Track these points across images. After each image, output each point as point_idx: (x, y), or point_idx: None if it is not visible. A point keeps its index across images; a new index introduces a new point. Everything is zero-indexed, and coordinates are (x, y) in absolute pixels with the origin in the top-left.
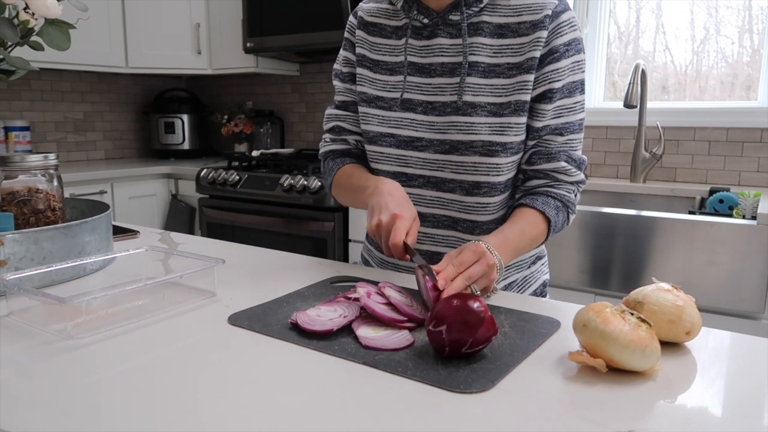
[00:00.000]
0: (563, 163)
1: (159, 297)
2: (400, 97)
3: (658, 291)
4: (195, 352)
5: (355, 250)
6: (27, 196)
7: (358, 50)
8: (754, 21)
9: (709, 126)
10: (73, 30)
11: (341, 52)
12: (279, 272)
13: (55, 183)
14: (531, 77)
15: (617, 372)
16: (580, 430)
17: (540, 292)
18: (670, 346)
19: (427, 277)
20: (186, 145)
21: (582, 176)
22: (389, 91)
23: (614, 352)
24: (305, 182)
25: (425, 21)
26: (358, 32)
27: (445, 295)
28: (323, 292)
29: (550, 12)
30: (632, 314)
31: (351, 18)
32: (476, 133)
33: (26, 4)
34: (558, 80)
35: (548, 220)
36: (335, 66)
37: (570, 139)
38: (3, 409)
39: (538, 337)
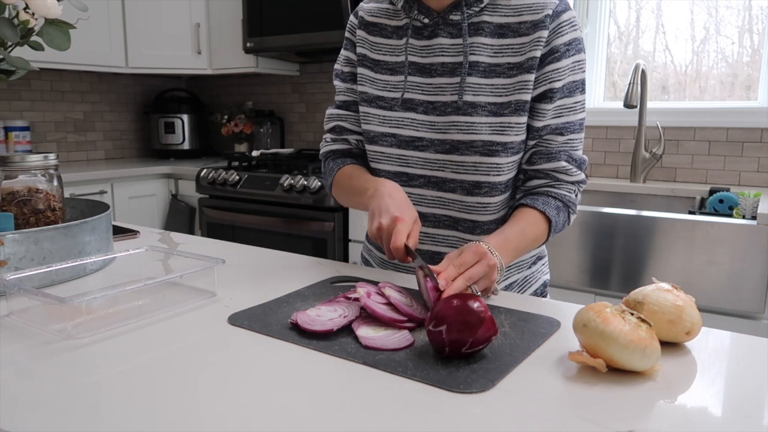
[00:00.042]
0: (564, 163)
1: (159, 297)
2: (401, 97)
3: (658, 291)
4: (195, 352)
5: (355, 250)
6: (27, 196)
7: (358, 50)
8: (754, 21)
9: (709, 126)
10: (73, 30)
11: (342, 51)
12: (279, 272)
13: (55, 183)
14: (531, 77)
15: (617, 372)
16: (580, 430)
17: (541, 293)
18: (670, 346)
19: (427, 278)
20: (186, 145)
21: (583, 176)
22: (390, 90)
23: (614, 352)
24: (305, 182)
25: (426, 21)
26: (359, 32)
27: (445, 295)
28: (323, 292)
29: (550, 12)
30: (632, 314)
31: (352, 18)
32: (477, 133)
33: (26, 4)
34: (558, 80)
35: (549, 221)
36: (336, 66)
37: (570, 139)
38: (3, 409)
39: (538, 337)
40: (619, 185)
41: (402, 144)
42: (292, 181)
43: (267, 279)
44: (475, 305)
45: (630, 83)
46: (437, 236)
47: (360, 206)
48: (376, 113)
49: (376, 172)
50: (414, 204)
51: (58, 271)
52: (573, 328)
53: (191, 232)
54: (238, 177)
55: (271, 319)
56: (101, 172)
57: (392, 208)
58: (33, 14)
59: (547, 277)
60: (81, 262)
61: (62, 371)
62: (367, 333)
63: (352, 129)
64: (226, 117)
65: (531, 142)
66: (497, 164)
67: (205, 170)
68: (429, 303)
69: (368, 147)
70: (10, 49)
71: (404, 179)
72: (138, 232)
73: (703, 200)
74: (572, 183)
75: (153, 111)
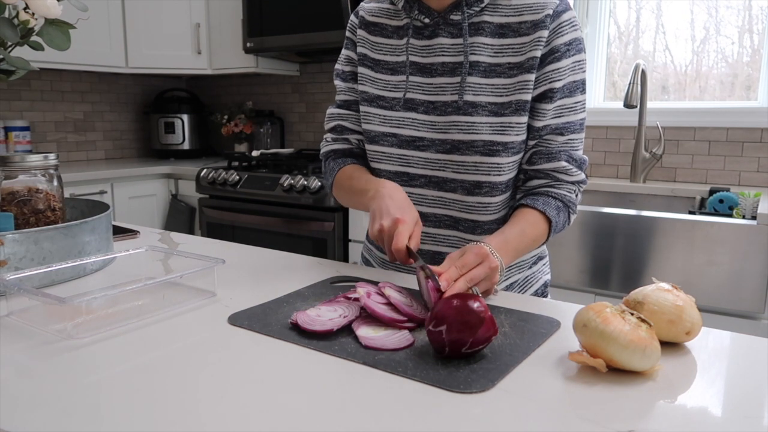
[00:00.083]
0: (564, 163)
1: (159, 297)
2: (403, 97)
3: (658, 291)
4: (195, 352)
5: (355, 250)
6: (27, 196)
7: (359, 49)
8: (754, 21)
9: (709, 126)
10: (73, 30)
11: (343, 51)
12: (279, 272)
13: (55, 183)
14: (532, 77)
15: (617, 372)
16: (580, 430)
17: (541, 293)
18: (670, 346)
19: (429, 279)
20: (186, 145)
21: (583, 176)
22: (391, 90)
23: (614, 352)
24: (305, 182)
25: (426, 21)
26: (360, 31)
27: (446, 296)
28: (323, 292)
29: (551, 11)
30: (632, 314)
31: (352, 17)
32: (477, 133)
33: (26, 4)
34: (559, 80)
35: (549, 221)
36: (337, 65)
37: (571, 139)
38: (3, 409)
39: (538, 337)
40: (619, 185)
41: (403, 144)
42: (292, 181)
43: (267, 279)
44: (475, 305)
45: (630, 83)
46: (438, 236)
47: (361, 207)
48: (376, 113)
49: (376, 172)
50: (415, 204)
51: (58, 271)
52: (573, 328)
53: (191, 232)
54: (238, 177)
55: (271, 319)
56: (101, 172)
57: (393, 209)
58: (33, 14)
59: (548, 277)
60: (81, 262)
61: (62, 371)
62: (367, 333)
63: (353, 128)
64: (226, 117)
65: (531, 142)
66: (498, 164)
67: (205, 170)
68: (430, 304)
69: (369, 147)
70: (10, 49)
71: (405, 179)
72: (138, 232)
73: (703, 200)
74: (572, 183)
75: (153, 111)
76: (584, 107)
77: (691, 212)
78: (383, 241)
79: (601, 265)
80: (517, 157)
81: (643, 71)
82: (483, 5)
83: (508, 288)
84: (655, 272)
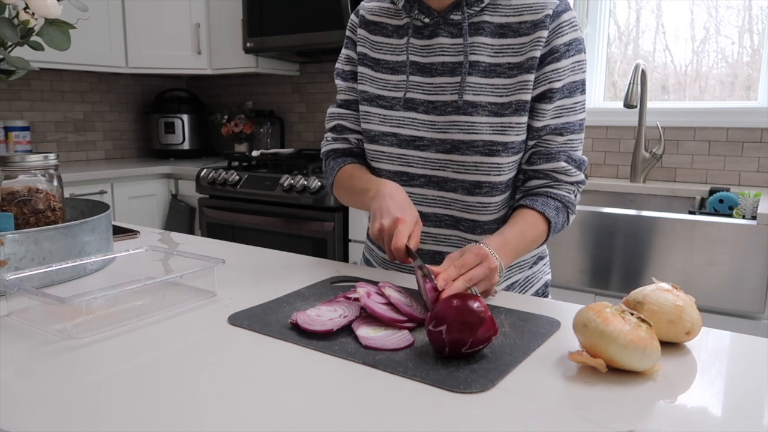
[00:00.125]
0: (563, 164)
1: (159, 297)
2: (404, 96)
3: (658, 291)
4: (195, 352)
5: (354, 250)
6: (27, 196)
7: (359, 48)
8: (754, 21)
9: (709, 126)
10: (73, 30)
11: (343, 50)
12: (279, 272)
13: (55, 183)
14: (531, 77)
15: (617, 372)
16: (580, 430)
17: (542, 293)
18: (670, 346)
19: (426, 278)
20: (186, 145)
21: (582, 176)
22: (391, 90)
23: (614, 352)
24: (305, 182)
25: (426, 20)
26: (360, 31)
27: (444, 295)
28: (323, 292)
29: (551, 12)
30: (632, 314)
31: (353, 16)
32: (477, 133)
33: (26, 4)
34: (558, 80)
35: (548, 221)
36: (337, 65)
37: (570, 140)
38: (3, 409)
39: (538, 337)
40: (619, 185)
41: (402, 143)
42: (292, 181)
43: (267, 279)
44: (475, 305)
45: (630, 83)
46: (439, 236)
47: (361, 206)
48: (376, 112)
49: (376, 172)
50: (415, 203)
51: (58, 271)
52: (573, 328)
53: (191, 232)
54: (238, 177)
55: (271, 319)
56: (101, 172)
57: (393, 209)
58: (33, 14)
59: (549, 277)
60: (81, 262)
61: (62, 371)
62: (367, 333)
63: (353, 128)
64: (226, 117)
65: (530, 143)
66: (498, 164)
67: (205, 170)
68: (428, 303)
69: (368, 146)
70: (10, 49)
71: (405, 179)
72: (138, 232)
73: (703, 200)
74: (571, 183)
75: (153, 111)
76: (584, 108)
77: (691, 212)
78: (383, 241)
79: (601, 265)
80: (517, 157)
81: (643, 71)
82: (483, 5)
83: (509, 288)
84: (655, 272)
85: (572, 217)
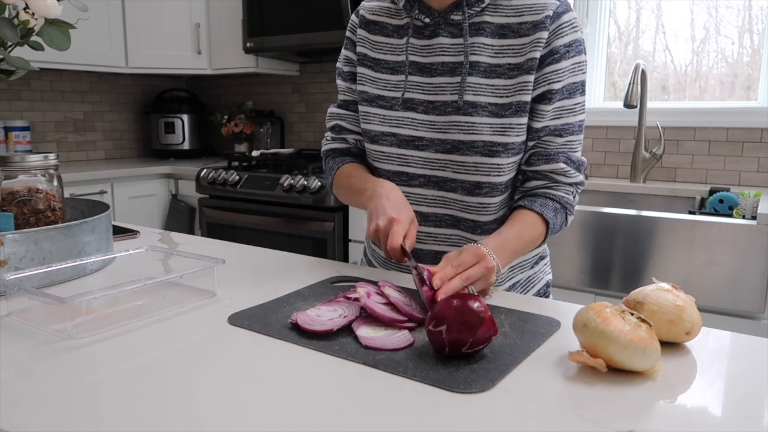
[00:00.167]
0: (562, 165)
1: (159, 297)
2: (402, 96)
3: (658, 291)
4: (195, 352)
5: (354, 250)
6: (27, 196)
7: (359, 49)
8: (754, 21)
9: (709, 126)
10: (73, 30)
11: (343, 51)
12: (279, 272)
13: (55, 183)
14: (531, 78)
15: (617, 372)
16: (580, 430)
17: (543, 293)
18: (670, 346)
19: (420, 278)
20: (186, 145)
21: (581, 178)
22: (390, 90)
23: (614, 352)
24: (305, 182)
25: (426, 20)
26: (360, 31)
27: (440, 294)
28: (323, 292)
29: (551, 12)
30: (632, 314)
31: (353, 17)
32: (477, 133)
33: (26, 4)
34: (558, 81)
35: (546, 222)
36: (337, 64)
37: (569, 141)
38: (3, 409)
39: (538, 337)
40: (619, 185)
41: (402, 143)
42: (292, 181)
43: (267, 279)
44: (475, 305)
45: (630, 83)
46: (439, 236)
47: (360, 206)
48: (376, 112)
49: (376, 171)
50: (415, 203)
51: (58, 271)
52: (573, 328)
53: (191, 232)
54: (238, 177)
55: (271, 319)
56: (101, 172)
57: (389, 209)
58: (33, 14)
59: (550, 277)
60: (81, 262)
61: (62, 371)
62: (367, 333)
63: (351, 128)
64: (226, 117)
65: (530, 143)
66: (498, 165)
67: (205, 170)
68: (425, 303)
69: (368, 146)
70: (10, 49)
71: (404, 179)
72: (138, 232)
73: (703, 200)
74: (570, 185)
75: (153, 111)
76: (583, 109)
77: (691, 212)
78: (380, 240)
79: (601, 265)
80: (517, 158)
81: (643, 71)
82: (483, 5)
83: (510, 288)
84: (655, 272)
85: (571, 218)
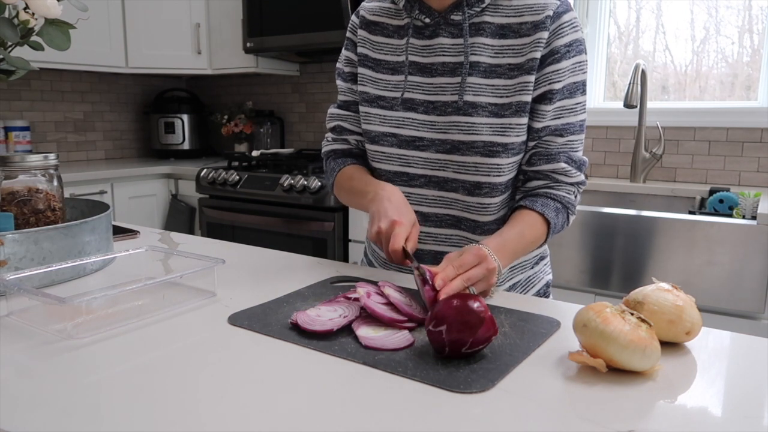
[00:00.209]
0: (563, 165)
1: (159, 297)
2: (401, 96)
3: (658, 291)
4: (195, 352)
5: (354, 250)
6: (27, 196)
7: (359, 49)
8: (754, 21)
9: (709, 126)
10: (73, 30)
11: (343, 51)
12: (279, 272)
13: (55, 183)
14: (532, 78)
15: (617, 372)
16: (580, 430)
17: (543, 293)
18: (670, 346)
19: (423, 279)
20: (186, 145)
21: (582, 177)
22: (391, 90)
23: (614, 352)
24: (305, 182)
25: (427, 21)
26: (360, 31)
27: (442, 294)
28: (323, 292)
29: (551, 12)
30: (632, 314)
31: (353, 17)
32: (477, 134)
33: (26, 4)
34: (558, 81)
35: (548, 222)
36: (338, 65)
37: (570, 140)
38: (3, 409)
39: (538, 337)
40: (619, 185)
41: (402, 144)
42: (292, 181)
43: (267, 279)
44: (475, 305)
45: (630, 83)
46: (440, 236)
47: (361, 208)
48: (376, 113)
49: (376, 172)
50: (416, 204)
51: (58, 271)
52: (573, 328)
53: (191, 232)
54: (238, 177)
55: (271, 319)
56: (101, 172)
57: (391, 211)
58: (33, 14)
59: (550, 277)
60: (81, 262)
61: (62, 371)
62: (367, 333)
63: (352, 129)
64: (226, 117)
65: (531, 143)
66: (498, 165)
67: (205, 170)
68: (427, 305)
69: (369, 147)
70: (10, 49)
71: (405, 179)
72: (138, 232)
73: (703, 200)
74: (571, 184)
75: (153, 111)
76: (584, 108)
77: (691, 212)
78: (382, 243)
79: (601, 265)
80: (517, 158)
81: (643, 71)
82: (484, 5)
83: (510, 288)
84: (655, 272)
85: (572, 218)
